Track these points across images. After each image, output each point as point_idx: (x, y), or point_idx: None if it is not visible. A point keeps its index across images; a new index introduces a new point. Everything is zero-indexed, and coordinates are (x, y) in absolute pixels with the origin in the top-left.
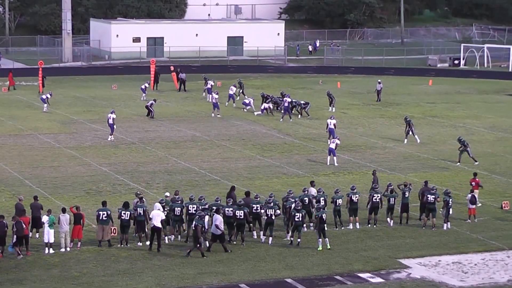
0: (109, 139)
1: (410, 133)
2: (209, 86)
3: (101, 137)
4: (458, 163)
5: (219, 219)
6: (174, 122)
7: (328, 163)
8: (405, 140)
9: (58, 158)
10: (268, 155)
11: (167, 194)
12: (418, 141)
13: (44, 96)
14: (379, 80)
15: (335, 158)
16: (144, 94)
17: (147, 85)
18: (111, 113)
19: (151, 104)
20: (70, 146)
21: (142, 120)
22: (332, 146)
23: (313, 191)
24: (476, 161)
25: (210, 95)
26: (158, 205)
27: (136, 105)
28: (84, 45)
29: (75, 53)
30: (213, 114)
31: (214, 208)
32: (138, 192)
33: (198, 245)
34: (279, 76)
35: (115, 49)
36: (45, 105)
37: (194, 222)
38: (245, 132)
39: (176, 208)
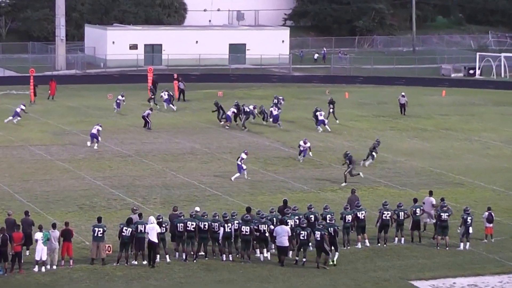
0: (88, 144)
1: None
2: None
3: (95, 149)
4: (344, 184)
5: (286, 231)
6: (172, 133)
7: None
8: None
9: (50, 171)
10: (271, 169)
11: (197, 209)
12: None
13: (18, 109)
14: (403, 93)
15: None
16: (117, 109)
17: (120, 97)
18: (97, 125)
19: (148, 114)
20: (63, 158)
21: (138, 132)
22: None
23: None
24: (345, 182)
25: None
26: (152, 218)
27: (132, 116)
28: (78, 52)
29: (69, 61)
30: (223, 124)
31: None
32: (135, 208)
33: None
34: (283, 85)
35: (111, 56)
36: (12, 118)
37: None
38: (247, 145)
39: (178, 224)
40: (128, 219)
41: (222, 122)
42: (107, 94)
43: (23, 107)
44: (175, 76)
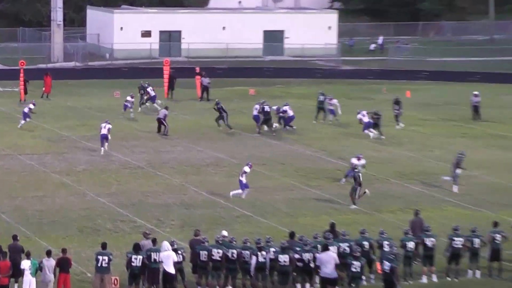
0: (102, 152)
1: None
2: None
3: (99, 159)
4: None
5: (332, 258)
6: (193, 140)
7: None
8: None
9: (43, 186)
10: (315, 184)
11: (225, 233)
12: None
13: (26, 109)
14: (476, 92)
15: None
16: (130, 109)
17: (129, 98)
18: (106, 122)
19: (165, 116)
20: (59, 170)
21: (152, 138)
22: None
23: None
24: (354, 205)
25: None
26: (166, 244)
27: (144, 118)
28: (79, 40)
29: (67, 51)
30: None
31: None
32: (147, 232)
33: None
34: (329, 82)
35: (118, 45)
36: (23, 120)
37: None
38: (284, 154)
39: (201, 252)
40: (135, 245)
41: (222, 127)
42: (114, 91)
43: (32, 106)
44: (198, 70)
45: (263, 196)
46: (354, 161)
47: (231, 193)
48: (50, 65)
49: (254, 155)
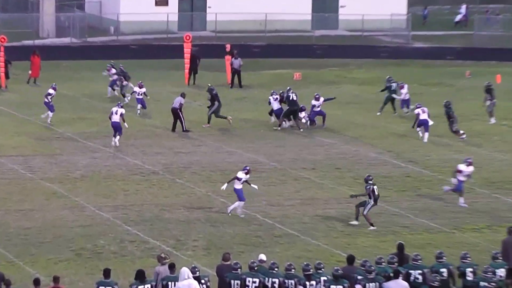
0: (113, 143)
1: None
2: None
3: (102, 162)
4: None
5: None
6: (222, 138)
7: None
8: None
9: (31, 197)
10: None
11: (263, 257)
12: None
13: (47, 99)
14: None
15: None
16: (138, 104)
17: (138, 89)
18: (118, 106)
19: (181, 105)
20: (51, 176)
21: (169, 135)
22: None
23: None
24: (356, 220)
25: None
26: (187, 271)
27: (159, 110)
28: (75, 10)
29: (61, 23)
30: (287, 124)
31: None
32: (162, 255)
33: None
34: (398, 63)
35: (125, 17)
36: (50, 113)
37: None
38: (340, 157)
39: (232, 281)
40: (139, 273)
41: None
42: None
43: (52, 92)
44: (228, 48)
45: (312, 210)
46: (462, 167)
47: (229, 208)
48: (38, 42)
49: (302, 157)
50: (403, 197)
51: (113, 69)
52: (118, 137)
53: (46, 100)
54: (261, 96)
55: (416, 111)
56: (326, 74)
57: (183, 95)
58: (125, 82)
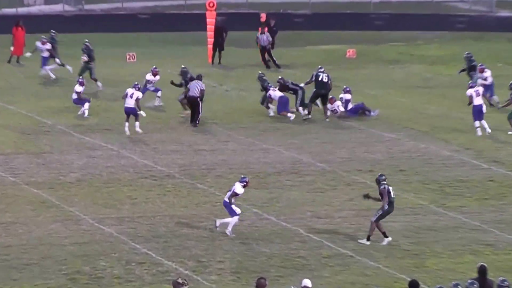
0: (126, 130)
1: None
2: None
3: (103, 162)
4: None
5: None
6: (255, 132)
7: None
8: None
9: (13, 207)
10: (455, 205)
11: (307, 283)
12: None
13: (79, 88)
14: None
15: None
16: (154, 93)
17: (151, 77)
18: (134, 88)
19: (201, 93)
20: (39, 181)
21: (186, 129)
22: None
23: None
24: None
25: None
26: None
27: (174, 97)
28: None
29: None
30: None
31: None
32: (180, 280)
33: None
34: (478, 36)
35: None
36: (85, 109)
37: None
38: (405, 156)
39: None
40: None
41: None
42: (127, 53)
43: (80, 89)
44: (263, 18)
45: (370, 223)
46: None
47: (217, 222)
48: (22, 11)
49: (356, 156)
50: (485, 206)
51: (47, 44)
52: (137, 122)
53: (75, 97)
54: (305, 78)
55: (469, 92)
56: (387, 51)
57: (200, 78)
58: (87, 62)
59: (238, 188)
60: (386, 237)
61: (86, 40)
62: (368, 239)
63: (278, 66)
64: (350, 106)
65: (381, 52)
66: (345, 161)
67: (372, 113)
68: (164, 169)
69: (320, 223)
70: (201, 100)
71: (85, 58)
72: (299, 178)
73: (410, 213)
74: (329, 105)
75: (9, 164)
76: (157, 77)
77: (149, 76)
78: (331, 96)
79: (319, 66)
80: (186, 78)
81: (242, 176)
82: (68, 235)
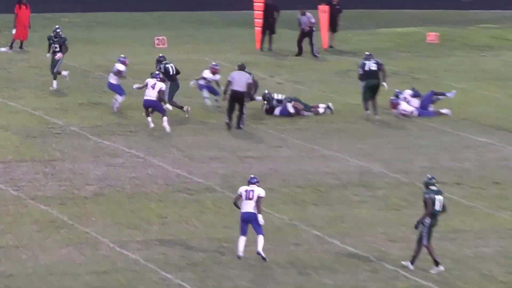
0: (151, 125)
1: None
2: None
3: (125, 172)
4: None
5: None
6: (314, 135)
7: None
8: None
9: (15, 227)
10: None
11: None
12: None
13: (112, 80)
14: None
15: None
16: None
17: (209, 75)
18: (155, 78)
19: (249, 87)
20: (47, 195)
21: (228, 132)
22: None
23: None
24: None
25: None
26: None
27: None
28: None
29: None
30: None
31: None
32: None
33: None
34: None
35: None
36: (119, 96)
37: None
38: (501, 165)
39: None
40: None
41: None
42: (155, 37)
43: (122, 68)
44: None
45: (456, 248)
46: None
47: (239, 250)
48: None
49: (440, 164)
50: None
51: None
52: (165, 117)
53: (112, 81)
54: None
55: None
56: (476, 35)
57: (243, 68)
58: (58, 55)
59: (261, 191)
60: (437, 265)
61: (57, 26)
62: (436, 264)
63: (316, 56)
64: (416, 102)
65: (470, 36)
66: (426, 171)
67: (448, 94)
68: (202, 181)
69: (395, 248)
70: (250, 97)
71: (60, 55)
72: (369, 192)
73: (506, 236)
74: (393, 111)
75: (11, 175)
76: (217, 76)
77: (206, 74)
78: (394, 99)
79: (368, 53)
80: (162, 66)
81: (252, 176)
82: (83, 262)
